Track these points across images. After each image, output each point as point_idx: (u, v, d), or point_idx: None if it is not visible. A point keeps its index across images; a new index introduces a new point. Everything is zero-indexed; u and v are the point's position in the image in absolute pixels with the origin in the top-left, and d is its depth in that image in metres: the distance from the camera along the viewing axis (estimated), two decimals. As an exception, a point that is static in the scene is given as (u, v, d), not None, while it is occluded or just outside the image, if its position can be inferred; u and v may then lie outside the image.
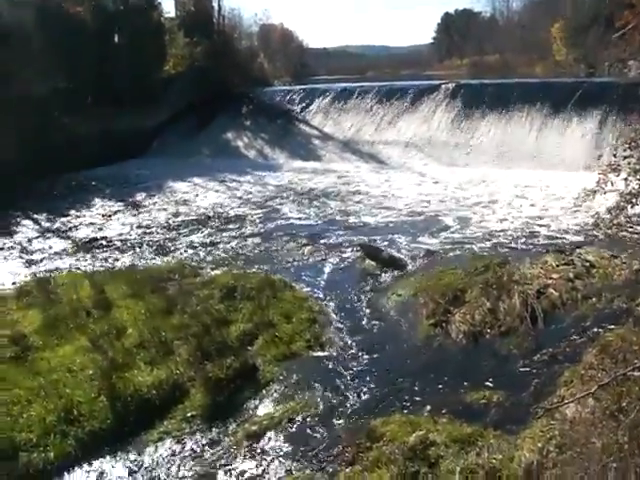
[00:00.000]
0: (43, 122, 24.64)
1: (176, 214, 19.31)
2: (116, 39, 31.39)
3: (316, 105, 30.80)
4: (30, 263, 14.83)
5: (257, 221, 17.82)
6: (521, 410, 7.12)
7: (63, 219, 19.29)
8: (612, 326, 8.44)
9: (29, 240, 17.09)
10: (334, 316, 10.59)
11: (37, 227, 18.65)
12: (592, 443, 5.32)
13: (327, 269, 13.01)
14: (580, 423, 6.09)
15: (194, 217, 18.82)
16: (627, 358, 6.59)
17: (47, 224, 18.91)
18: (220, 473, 6.88)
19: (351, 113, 29.31)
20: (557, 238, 13.97)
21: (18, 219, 19.44)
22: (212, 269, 13.16)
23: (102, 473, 7.02)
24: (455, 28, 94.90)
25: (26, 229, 18.40)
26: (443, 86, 27.89)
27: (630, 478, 4.65)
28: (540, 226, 15.19)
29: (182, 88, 32.34)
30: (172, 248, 15.48)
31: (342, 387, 8.31)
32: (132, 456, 7.26)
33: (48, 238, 17.26)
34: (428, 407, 7.54)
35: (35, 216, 19.72)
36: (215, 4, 38.07)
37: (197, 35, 34.24)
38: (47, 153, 23.56)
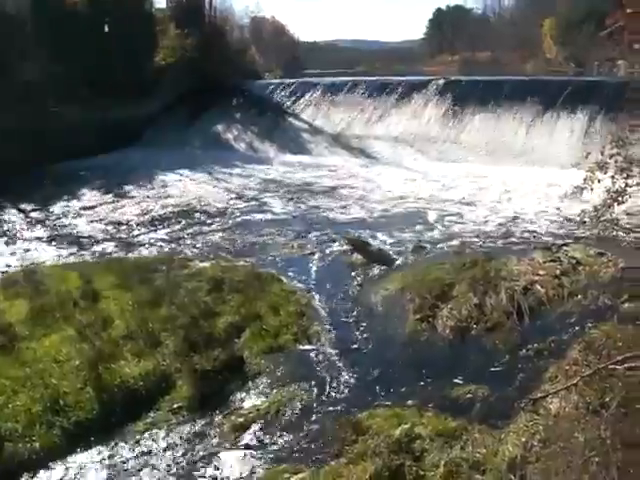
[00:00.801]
0: (34, 111, 24.45)
1: (165, 205, 19.25)
2: (106, 29, 31.16)
3: (306, 99, 30.75)
4: (17, 253, 14.75)
5: (246, 214, 17.81)
6: (506, 405, 7.17)
7: (51, 209, 19.21)
8: (597, 323, 8.51)
9: (16, 230, 17.01)
10: (321, 309, 10.61)
11: (25, 217, 18.55)
12: (575, 438, 5.38)
13: (315, 262, 13.03)
14: (564, 418, 6.16)
15: (183, 209, 18.78)
16: (611, 354, 6.66)
17: (35, 214, 18.81)
18: (206, 465, 6.90)
19: (341, 107, 29.29)
20: (544, 235, 14.06)
21: (6, 209, 19.32)
22: (200, 261, 13.12)
23: (88, 464, 7.02)
24: (447, 24, 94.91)
25: (14, 218, 18.30)
26: (434, 82, 27.94)
27: (612, 472, 4.71)
28: (528, 223, 15.28)
29: (173, 80, 32.20)
30: (160, 239, 15.45)
31: (328, 380, 8.34)
32: (118, 447, 7.26)
33: (36, 228, 17.19)
34: (409, 402, 7.58)
35: (24, 206, 19.61)
36: (206, -4, 37.89)
37: (188, 27, 34.03)
38: (38, 142, 23.42)
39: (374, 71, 55.72)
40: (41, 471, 6.90)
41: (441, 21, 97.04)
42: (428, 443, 6.51)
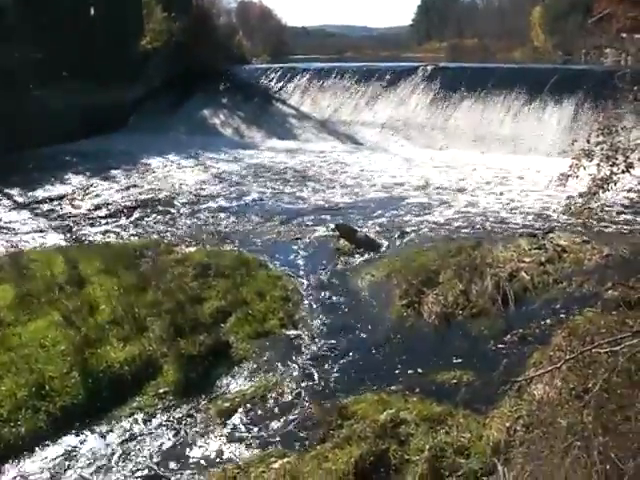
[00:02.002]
0: (18, 95, 24.17)
1: (150, 191, 19.14)
2: (92, 11, 30.81)
3: (294, 84, 30.59)
4: (1, 238, 14.64)
5: (232, 199, 17.75)
6: (490, 390, 7.22)
7: (36, 194, 19.05)
8: (581, 309, 8.61)
9: (0, 214, 16.88)
10: (308, 295, 10.64)
11: (9, 202, 18.40)
12: (558, 422, 5.43)
13: (301, 248, 13.04)
14: (547, 403, 6.22)
15: (168, 194, 18.67)
16: (594, 340, 6.72)
17: (19, 199, 18.66)
18: (191, 449, 6.92)
19: (329, 93, 29.17)
20: (530, 222, 14.12)
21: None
22: (186, 246, 13.12)
23: (74, 448, 7.03)
24: (435, 11, 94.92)
25: (-2, 203, 18.20)
26: (421, 68, 27.88)
27: (593, 456, 4.77)
28: (513, 210, 15.33)
29: (159, 64, 31.90)
30: (146, 225, 15.40)
31: (314, 365, 8.38)
32: (104, 431, 7.27)
33: (20, 213, 17.04)
34: (395, 387, 7.63)
35: (7, 190, 19.44)
36: (193, -22, 37.45)
37: (175, 10, 33.70)
38: (22, 127, 23.20)
39: (362, 57, 55.61)
40: (27, 455, 6.90)
41: (429, 7, 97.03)
42: (413, 428, 6.59)
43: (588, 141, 8.87)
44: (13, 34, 24.97)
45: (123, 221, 15.84)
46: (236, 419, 7.35)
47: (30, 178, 20.63)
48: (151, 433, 7.21)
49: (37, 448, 7.00)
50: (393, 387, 7.64)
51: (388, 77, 28.15)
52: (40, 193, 19.14)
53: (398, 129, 25.56)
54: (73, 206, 17.56)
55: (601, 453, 4.79)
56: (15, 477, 6.63)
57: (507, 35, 62.18)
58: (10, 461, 6.82)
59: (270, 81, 31.39)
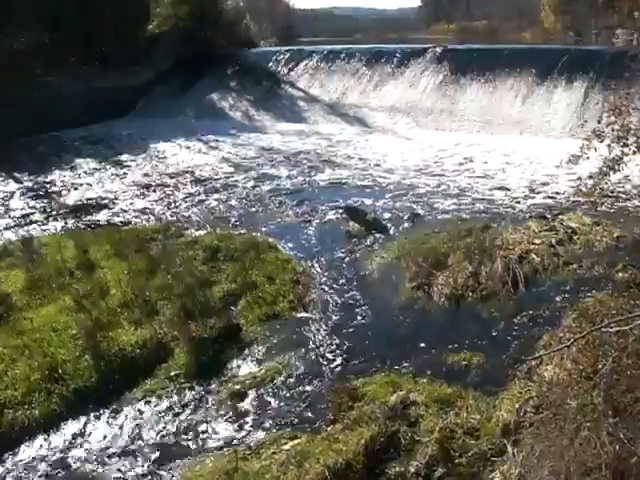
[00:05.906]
0: (25, 80, 24.17)
1: (160, 175, 19.16)
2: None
3: (302, 67, 30.46)
4: (11, 223, 14.72)
5: (241, 183, 17.74)
6: (500, 372, 7.23)
7: (45, 179, 19.11)
8: (591, 291, 8.58)
9: (10, 200, 16.95)
10: (317, 278, 10.65)
11: (19, 187, 18.46)
12: (568, 404, 5.44)
13: (311, 231, 13.05)
14: (557, 384, 6.21)
15: (178, 178, 18.68)
16: (604, 321, 6.71)
17: (29, 184, 18.71)
18: (203, 431, 6.98)
19: (337, 76, 29.01)
20: (540, 204, 14.06)
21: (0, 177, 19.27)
22: (196, 230, 13.16)
23: (86, 430, 7.10)
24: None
25: (7, 189, 18.21)
26: (430, 50, 27.65)
27: (602, 437, 4.78)
28: (523, 192, 15.25)
29: (167, 48, 31.83)
30: (156, 209, 15.42)
31: (324, 347, 8.41)
32: (116, 414, 7.34)
33: (30, 198, 17.11)
34: (405, 369, 7.65)
35: (17, 175, 19.51)
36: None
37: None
38: (30, 112, 23.23)
39: (370, 40, 55.16)
40: (40, 438, 6.99)
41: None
42: (423, 409, 6.61)
43: (599, 122, 8.80)
44: (18, 18, 24.92)
45: (132, 205, 15.87)
46: (247, 401, 7.40)
47: (38, 163, 20.69)
48: (163, 415, 7.28)
49: (51, 430, 7.09)
50: (403, 369, 7.67)
51: (396, 59, 27.95)
52: (49, 178, 19.20)
53: (407, 112, 25.39)
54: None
55: (611, 434, 4.80)
56: (30, 459, 6.71)
57: (517, 16, 61.54)
58: (24, 443, 6.90)
59: (278, 64, 31.24)
